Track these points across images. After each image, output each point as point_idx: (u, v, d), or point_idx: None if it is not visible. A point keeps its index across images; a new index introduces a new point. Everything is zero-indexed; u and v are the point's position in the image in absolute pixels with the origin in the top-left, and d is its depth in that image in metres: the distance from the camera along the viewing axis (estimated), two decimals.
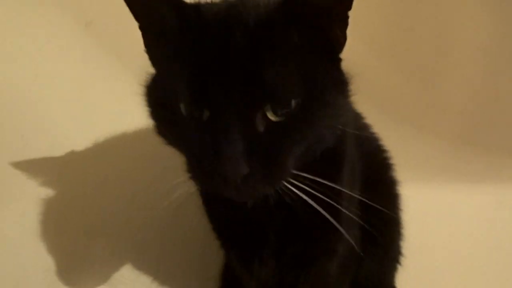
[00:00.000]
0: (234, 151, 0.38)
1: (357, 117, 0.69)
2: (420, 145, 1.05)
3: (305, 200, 0.43)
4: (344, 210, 0.50)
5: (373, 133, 0.72)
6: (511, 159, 1.05)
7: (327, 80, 0.43)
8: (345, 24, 0.44)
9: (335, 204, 0.46)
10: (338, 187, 0.46)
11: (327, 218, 0.48)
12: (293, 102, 0.40)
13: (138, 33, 0.48)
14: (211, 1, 0.47)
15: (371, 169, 0.65)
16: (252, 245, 0.58)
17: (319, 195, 0.44)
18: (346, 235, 0.52)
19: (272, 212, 0.51)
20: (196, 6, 0.44)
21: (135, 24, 0.48)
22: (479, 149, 1.05)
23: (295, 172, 0.43)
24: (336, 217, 0.48)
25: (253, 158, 0.39)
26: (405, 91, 1.07)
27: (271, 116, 0.40)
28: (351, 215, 0.53)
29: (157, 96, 0.46)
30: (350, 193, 0.51)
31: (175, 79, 0.42)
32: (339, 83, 0.45)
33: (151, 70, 0.49)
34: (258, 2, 0.43)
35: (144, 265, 0.80)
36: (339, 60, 0.47)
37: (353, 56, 1.06)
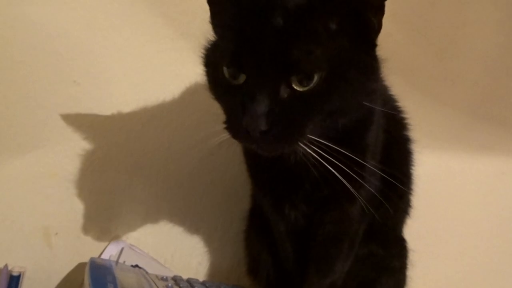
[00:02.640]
0: (257, 110, 0.45)
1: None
2: (432, 115, 1.10)
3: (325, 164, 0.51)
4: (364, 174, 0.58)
5: (392, 95, 0.78)
6: None
7: (355, 62, 0.49)
8: (381, 12, 0.49)
9: (353, 175, 0.54)
10: (359, 159, 0.54)
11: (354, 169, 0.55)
12: (316, 76, 0.47)
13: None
14: None
15: (390, 128, 0.72)
16: (284, 191, 0.67)
17: (337, 162, 0.51)
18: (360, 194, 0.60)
19: (304, 166, 0.58)
20: None
21: None
22: (490, 121, 1.10)
23: (314, 138, 0.49)
24: (357, 175, 0.55)
25: (273, 119, 0.46)
26: (420, 61, 1.11)
27: (296, 86, 0.47)
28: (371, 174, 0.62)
29: (211, 59, 0.55)
30: (370, 166, 0.59)
31: (223, 47, 0.51)
32: (368, 66, 0.51)
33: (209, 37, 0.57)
34: None
35: (178, 206, 0.89)
36: (374, 45, 0.52)
37: None
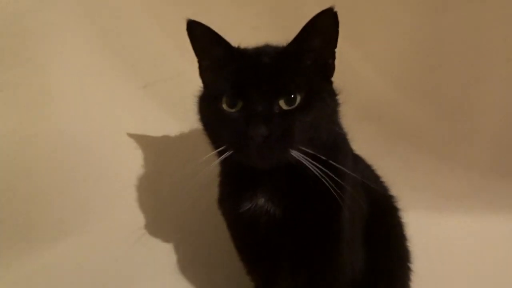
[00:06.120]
0: (260, 120, 0.59)
1: (357, 159, 0.78)
2: (449, 176, 1.08)
3: (312, 183, 0.62)
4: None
5: (373, 169, 0.82)
6: None
7: (323, 88, 0.66)
8: (333, 57, 0.66)
9: (338, 179, 0.62)
10: (339, 166, 0.63)
11: (329, 245, 0.67)
12: (298, 97, 0.61)
13: None
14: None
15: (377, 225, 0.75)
16: (269, 272, 0.75)
17: (325, 170, 0.61)
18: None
19: (282, 236, 0.67)
20: (237, 47, 0.67)
21: None
22: (508, 180, 1.06)
23: (303, 148, 0.60)
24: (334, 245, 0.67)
25: (272, 126, 0.59)
26: (434, 123, 1.10)
27: (283, 105, 0.61)
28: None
29: (205, 100, 0.69)
30: (351, 173, 0.67)
31: (221, 84, 0.64)
32: (331, 92, 0.67)
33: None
34: (277, 46, 0.67)
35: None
36: (331, 82, 0.68)
37: (380, 92, 1.11)
